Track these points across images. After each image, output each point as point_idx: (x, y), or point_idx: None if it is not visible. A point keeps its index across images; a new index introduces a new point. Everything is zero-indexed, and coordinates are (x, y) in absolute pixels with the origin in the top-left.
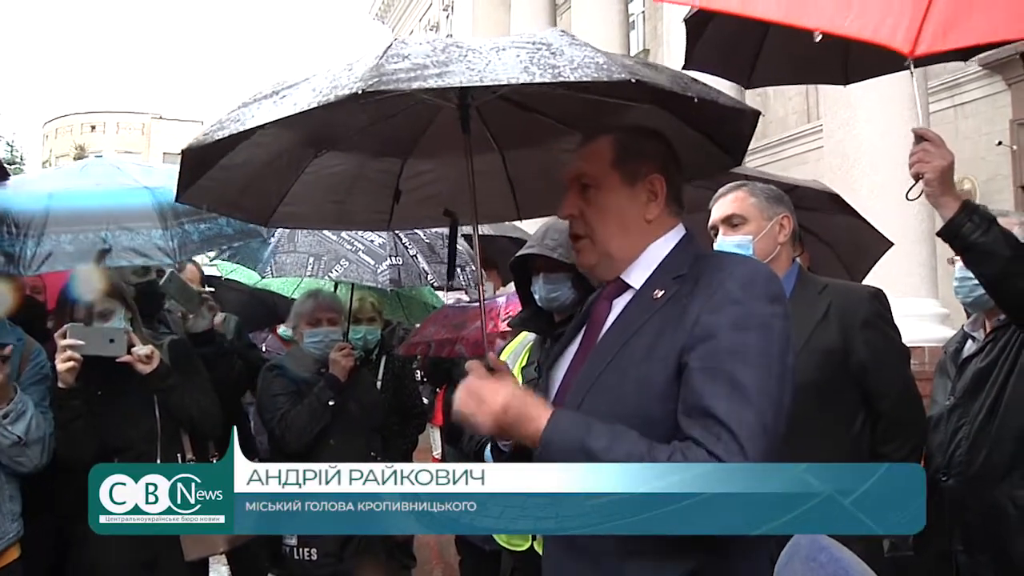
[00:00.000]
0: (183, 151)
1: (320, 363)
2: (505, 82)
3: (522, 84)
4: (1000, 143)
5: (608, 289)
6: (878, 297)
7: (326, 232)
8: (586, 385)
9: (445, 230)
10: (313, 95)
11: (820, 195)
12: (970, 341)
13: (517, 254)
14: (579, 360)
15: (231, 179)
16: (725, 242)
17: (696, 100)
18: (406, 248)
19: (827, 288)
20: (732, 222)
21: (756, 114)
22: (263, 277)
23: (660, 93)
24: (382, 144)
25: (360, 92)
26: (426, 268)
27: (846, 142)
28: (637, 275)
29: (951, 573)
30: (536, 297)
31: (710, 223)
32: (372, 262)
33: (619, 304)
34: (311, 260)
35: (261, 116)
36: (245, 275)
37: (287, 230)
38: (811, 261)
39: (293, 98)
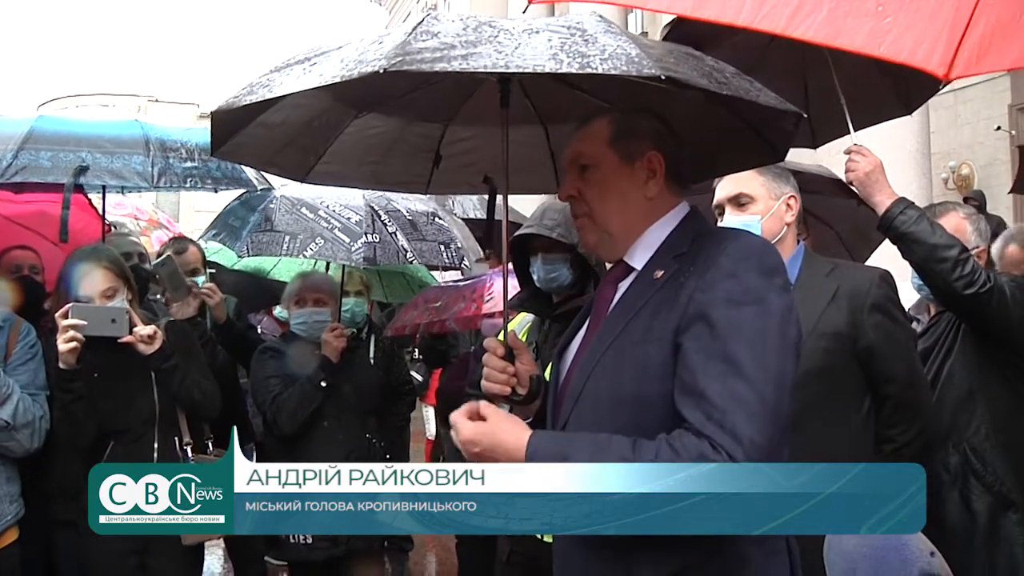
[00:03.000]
0: (212, 113)
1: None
2: (531, 69)
3: (548, 72)
4: (999, 128)
5: (614, 272)
6: (886, 279)
7: (303, 210)
8: (588, 367)
9: (430, 208)
10: (340, 67)
11: (824, 180)
12: (915, 323)
13: (515, 234)
14: (585, 343)
15: (269, 136)
16: (732, 222)
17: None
18: (385, 225)
19: (834, 270)
20: (739, 201)
21: (798, 115)
22: (240, 256)
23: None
24: (424, 109)
25: (382, 71)
26: (405, 246)
27: None
28: (640, 256)
29: None
30: (534, 278)
31: (715, 202)
32: (347, 240)
33: (623, 286)
34: (287, 239)
35: (289, 84)
36: (226, 257)
37: (265, 209)
38: (815, 243)
39: (321, 68)
